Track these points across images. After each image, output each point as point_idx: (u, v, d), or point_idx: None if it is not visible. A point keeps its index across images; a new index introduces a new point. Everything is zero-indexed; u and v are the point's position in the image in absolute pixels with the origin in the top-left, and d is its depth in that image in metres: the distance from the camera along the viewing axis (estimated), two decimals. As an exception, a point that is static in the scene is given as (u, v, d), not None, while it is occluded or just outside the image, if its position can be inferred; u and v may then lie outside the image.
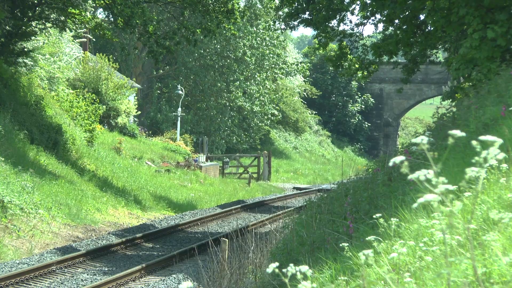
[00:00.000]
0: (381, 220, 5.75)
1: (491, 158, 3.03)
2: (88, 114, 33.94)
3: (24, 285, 15.24)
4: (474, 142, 3.09)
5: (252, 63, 58.18)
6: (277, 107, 63.63)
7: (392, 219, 5.55)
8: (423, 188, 3.05)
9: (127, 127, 43.12)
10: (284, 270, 3.55)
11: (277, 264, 3.62)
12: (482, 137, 3.05)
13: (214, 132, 57.70)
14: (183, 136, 51.03)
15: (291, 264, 3.55)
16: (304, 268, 3.50)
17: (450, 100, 19.45)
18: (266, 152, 51.01)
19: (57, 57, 33.16)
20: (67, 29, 29.75)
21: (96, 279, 15.99)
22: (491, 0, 14.90)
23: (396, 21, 20.63)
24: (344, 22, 24.36)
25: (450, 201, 3.17)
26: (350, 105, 77.36)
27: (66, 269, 16.87)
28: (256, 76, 59.03)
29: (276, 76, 62.63)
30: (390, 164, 3.18)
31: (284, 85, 67.93)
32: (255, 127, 60.84)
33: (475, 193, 3.26)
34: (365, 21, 24.33)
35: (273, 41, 59.85)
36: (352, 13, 24.38)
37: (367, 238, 5.34)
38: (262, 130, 62.63)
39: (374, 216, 6.06)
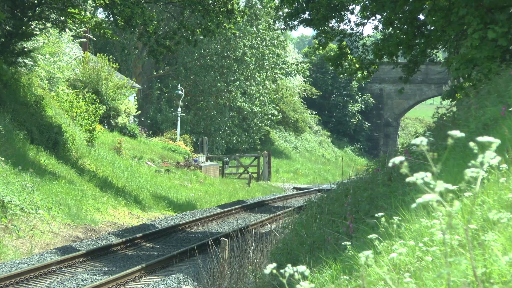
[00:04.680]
0: (383, 220, 5.75)
1: (487, 162, 3.03)
2: (88, 114, 33.94)
3: (24, 285, 15.24)
4: (471, 144, 3.08)
5: (252, 63, 58.18)
6: (277, 107, 63.62)
7: (394, 218, 5.55)
8: (423, 188, 3.04)
9: (127, 127, 43.12)
10: (282, 270, 3.55)
11: (274, 265, 3.61)
12: (479, 138, 3.04)
13: (214, 132, 57.70)
14: (183, 136, 51.03)
15: (289, 265, 3.54)
16: (302, 268, 3.50)
17: (450, 100, 19.44)
18: (266, 152, 51.00)
19: (57, 57, 33.15)
20: (67, 29, 29.74)
21: (96, 279, 15.99)
22: (491, 0, 14.90)
23: (396, 22, 20.62)
24: (343, 21, 24.35)
25: (450, 201, 3.17)
26: (350, 105, 77.36)
27: (66, 269, 16.88)
28: (256, 76, 59.02)
29: (276, 76, 62.63)
30: (390, 164, 3.17)
31: (284, 85, 67.93)
32: (255, 127, 60.83)
33: (474, 194, 3.26)
34: (365, 21, 24.32)
35: (273, 41, 59.84)
36: (352, 13, 24.38)
37: (368, 237, 5.34)
38: (262, 130, 62.62)
39: (376, 215, 6.06)
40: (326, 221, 10.12)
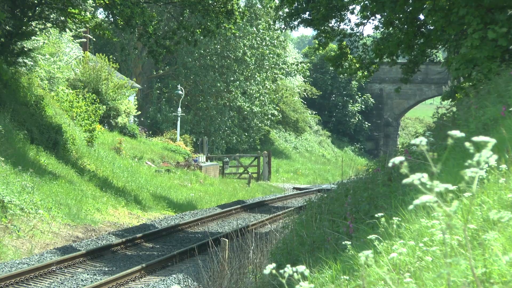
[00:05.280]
0: (383, 220, 5.76)
1: (484, 162, 3.02)
2: (88, 114, 33.94)
3: (24, 285, 15.24)
4: (467, 144, 3.07)
5: (252, 63, 58.17)
6: (277, 107, 63.63)
7: (394, 218, 5.56)
8: (422, 189, 3.04)
9: (127, 127, 43.12)
10: (281, 270, 3.55)
11: (274, 265, 3.62)
12: (475, 138, 3.03)
13: (214, 132, 57.70)
14: (183, 136, 51.02)
15: (288, 265, 3.54)
16: (301, 268, 3.50)
17: (450, 100, 19.44)
18: (266, 152, 51.00)
19: (57, 57, 33.15)
20: (67, 29, 29.75)
21: (96, 279, 15.99)
22: (491, 0, 14.90)
23: (396, 22, 20.62)
24: (343, 21, 24.36)
25: (450, 201, 3.17)
26: (350, 105, 77.36)
27: (66, 269, 16.88)
28: (256, 76, 59.02)
29: (276, 76, 62.63)
30: (390, 164, 3.17)
31: (284, 85, 67.93)
32: (255, 127, 60.84)
33: (472, 194, 3.26)
34: (365, 21, 24.32)
35: (273, 41, 59.84)
36: (352, 13, 24.38)
37: (368, 237, 5.34)
38: (262, 130, 62.63)
39: (376, 215, 6.06)
40: (326, 221, 10.12)
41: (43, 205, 21.44)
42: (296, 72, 65.90)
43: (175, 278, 16.12)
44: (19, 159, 23.66)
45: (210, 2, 29.23)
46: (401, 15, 19.91)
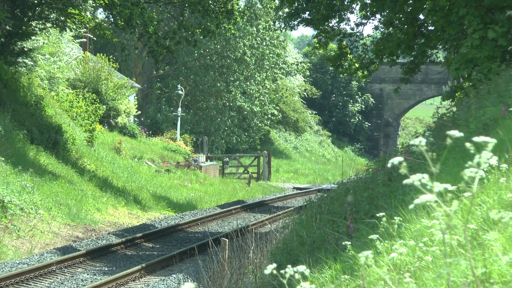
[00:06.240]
0: (384, 219, 5.75)
1: (484, 163, 3.01)
2: (88, 114, 33.94)
3: (24, 285, 15.25)
4: (468, 144, 3.07)
5: (252, 63, 58.17)
6: (277, 107, 63.61)
7: (396, 218, 5.56)
8: (422, 189, 3.04)
9: (127, 127, 43.11)
10: (282, 271, 3.55)
11: (275, 265, 3.62)
12: (475, 138, 3.03)
13: (214, 132, 57.69)
14: (183, 136, 51.02)
15: (289, 265, 3.55)
16: (302, 268, 3.50)
17: (450, 100, 19.44)
18: (266, 152, 50.99)
19: (57, 57, 33.15)
20: (67, 29, 29.75)
21: (96, 279, 15.99)
22: (491, 0, 14.90)
23: (396, 21, 20.62)
24: (343, 21, 24.34)
25: (450, 201, 3.17)
26: (350, 105, 77.36)
27: (66, 269, 16.88)
28: (256, 76, 59.02)
29: (276, 76, 62.62)
30: (389, 165, 3.17)
31: (284, 85, 67.92)
32: (255, 127, 60.83)
33: (472, 194, 3.26)
34: (365, 21, 24.31)
35: (273, 41, 59.84)
36: (352, 13, 24.37)
37: (369, 237, 5.34)
38: (262, 130, 62.62)
39: (378, 215, 6.06)
40: (326, 221, 10.12)
41: (43, 205, 21.44)
42: (296, 72, 65.91)
43: (175, 278, 16.12)
44: (19, 159, 23.66)
45: (210, 2, 29.23)
46: (401, 15, 19.92)
